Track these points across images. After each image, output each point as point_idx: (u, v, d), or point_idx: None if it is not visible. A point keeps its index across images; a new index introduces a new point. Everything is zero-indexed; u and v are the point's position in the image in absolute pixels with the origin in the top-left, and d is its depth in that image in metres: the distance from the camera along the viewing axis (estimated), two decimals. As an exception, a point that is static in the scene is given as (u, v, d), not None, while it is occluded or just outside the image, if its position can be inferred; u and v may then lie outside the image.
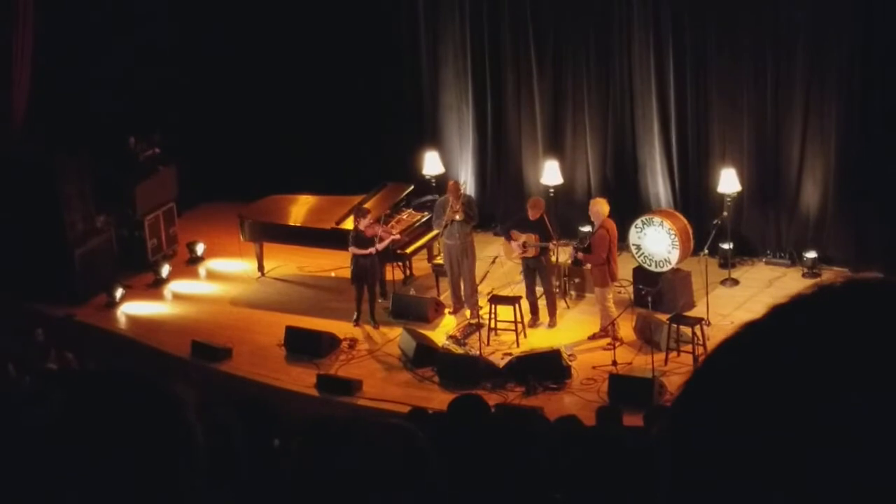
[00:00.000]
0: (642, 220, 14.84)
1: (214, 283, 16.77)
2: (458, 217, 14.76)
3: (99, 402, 1.47)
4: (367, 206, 15.83)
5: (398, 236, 15.22)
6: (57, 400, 1.46)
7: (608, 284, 14.30)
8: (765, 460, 1.06)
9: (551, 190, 16.07)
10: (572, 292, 15.36)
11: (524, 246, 14.45)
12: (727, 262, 15.53)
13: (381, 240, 14.89)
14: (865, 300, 1.11)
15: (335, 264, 15.91)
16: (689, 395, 1.15)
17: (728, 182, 15.19)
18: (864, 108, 14.86)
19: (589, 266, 14.63)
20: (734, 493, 1.07)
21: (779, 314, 1.13)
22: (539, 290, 14.81)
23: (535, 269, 14.65)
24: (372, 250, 14.80)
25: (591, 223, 14.53)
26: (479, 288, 15.13)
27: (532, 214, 14.51)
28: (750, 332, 1.13)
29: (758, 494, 1.06)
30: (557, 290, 15.11)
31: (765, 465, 1.06)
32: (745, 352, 1.12)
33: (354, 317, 15.03)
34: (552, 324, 14.79)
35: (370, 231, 14.87)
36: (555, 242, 14.52)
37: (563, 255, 15.20)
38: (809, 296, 1.13)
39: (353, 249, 14.91)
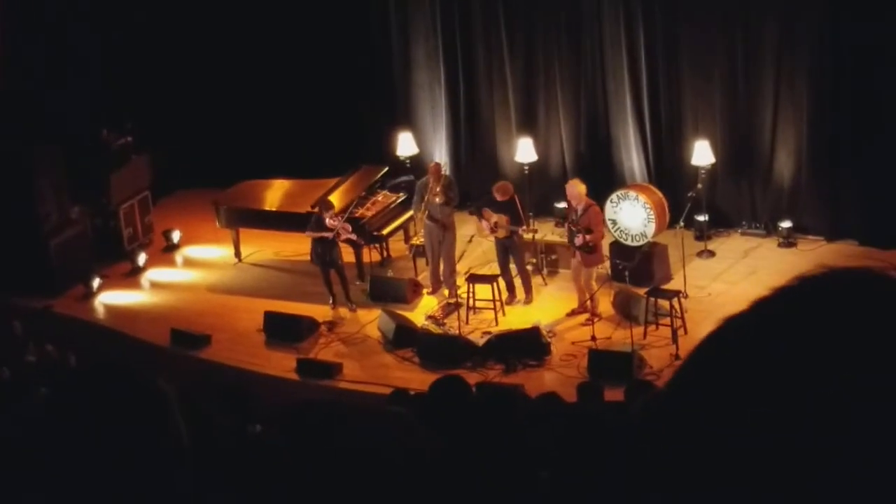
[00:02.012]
0: (617, 195, 14.86)
1: (191, 271, 16.73)
2: (437, 200, 14.74)
3: (84, 397, 1.47)
4: (341, 188, 15.84)
5: (353, 236, 15.12)
6: (42, 394, 1.46)
7: (598, 264, 14.30)
8: (756, 449, 1.07)
9: (526, 167, 16.06)
10: (545, 271, 15.36)
11: (495, 226, 14.43)
12: (703, 234, 15.59)
13: (339, 234, 14.87)
14: (846, 291, 1.12)
15: (312, 248, 15.85)
16: (677, 388, 1.15)
17: (701, 154, 15.21)
18: (835, 77, 14.89)
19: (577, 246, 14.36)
20: (727, 483, 1.08)
21: (762, 308, 1.14)
22: (513, 268, 14.82)
23: (507, 247, 14.67)
24: (328, 235, 14.78)
25: (568, 202, 14.44)
26: (457, 267, 15.14)
27: (500, 197, 14.47)
28: (735, 328, 1.14)
29: (751, 481, 1.07)
30: (532, 267, 15.13)
31: (756, 452, 1.07)
32: (733, 346, 1.13)
33: (330, 301, 15.05)
34: (529, 300, 14.80)
35: (331, 224, 14.85)
36: (524, 228, 14.49)
37: (539, 232, 15.19)
38: (791, 288, 1.14)
39: (309, 232, 14.92)
